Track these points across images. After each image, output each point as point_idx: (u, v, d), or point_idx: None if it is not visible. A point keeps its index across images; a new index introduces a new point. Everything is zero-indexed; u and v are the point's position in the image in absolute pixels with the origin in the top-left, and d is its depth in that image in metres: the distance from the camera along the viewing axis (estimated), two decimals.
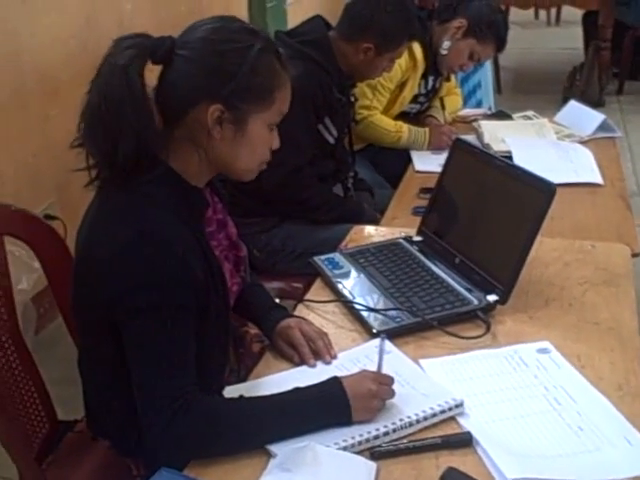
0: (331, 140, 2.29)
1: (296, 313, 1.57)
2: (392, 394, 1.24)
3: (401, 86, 2.73)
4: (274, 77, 1.27)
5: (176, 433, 1.15)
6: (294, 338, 1.43)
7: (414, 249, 1.79)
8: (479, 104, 3.73)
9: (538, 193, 1.52)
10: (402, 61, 2.64)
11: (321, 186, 2.31)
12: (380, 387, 1.23)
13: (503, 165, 1.65)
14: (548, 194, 1.50)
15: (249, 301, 1.54)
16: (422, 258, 1.74)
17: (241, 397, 1.26)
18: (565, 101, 5.06)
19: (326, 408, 1.21)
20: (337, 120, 2.27)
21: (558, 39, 7.88)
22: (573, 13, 7.35)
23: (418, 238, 1.83)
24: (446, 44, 2.69)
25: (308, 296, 1.65)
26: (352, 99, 2.41)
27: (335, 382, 1.23)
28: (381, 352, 1.28)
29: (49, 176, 2.93)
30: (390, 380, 1.25)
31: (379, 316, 1.52)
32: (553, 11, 8.47)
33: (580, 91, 5.38)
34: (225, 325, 1.37)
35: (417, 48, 2.67)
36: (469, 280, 1.62)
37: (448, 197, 1.80)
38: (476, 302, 1.54)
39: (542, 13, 8.59)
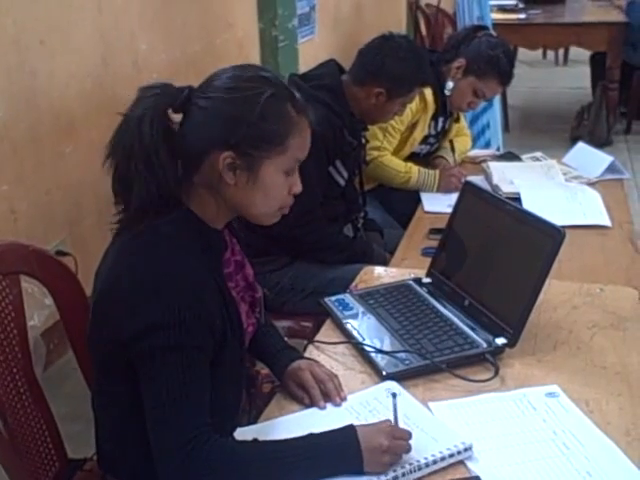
0: (341, 182, 2.32)
1: (306, 354, 1.59)
2: (408, 449, 1.23)
3: (411, 127, 2.77)
4: (287, 123, 1.29)
5: (190, 474, 1.16)
6: (305, 380, 1.45)
7: (423, 291, 1.81)
8: (488, 144, 3.78)
9: (547, 237, 1.54)
10: (413, 103, 2.68)
11: (330, 228, 2.33)
12: (394, 442, 1.22)
13: (512, 209, 1.67)
14: (557, 238, 1.52)
15: (261, 341, 1.56)
16: (431, 300, 1.76)
17: (255, 440, 1.27)
18: (573, 140, 5.13)
19: (339, 456, 1.21)
20: (348, 162, 2.31)
21: (566, 78, 7.95)
22: (581, 53, 7.42)
23: (427, 280, 1.85)
24: (449, 85, 2.73)
25: (318, 337, 1.67)
26: (363, 141, 2.45)
27: (350, 431, 1.24)
28: (395, 408, 1.29)
29: (61, 212, 2.96)
30: (407, 435, 1.24)
31: (388, 358, 1.54)
32: (561, 51, 8.56)
33: (588, 130, 5.42)
34: (240, 366, 1.39)
35: (427, 90, 2.71)
36: (478, 323, 1.63)
37: (457, 239, 1.82)
38: (485, 345, 1.56)
39: (550, 53, 8.68)
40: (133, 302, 1.22)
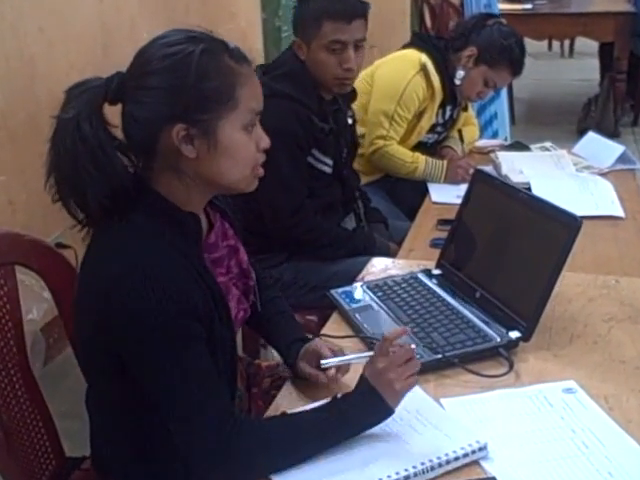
0: (327, 169, 2.22)
1: None
2: (416, 368, 1.25)
3: (419, 116, 2.70)
4: (229, 76, 1.19)
5: (230, 468, 1.15)
6: (323, 353, 1.40)
7: (433, 283, 1.75)
8: (495, 135, 3.72)
9: (563, 227, 1.48)
10: (420, 90, 2.63)
11: (327, 223, 2.24)
12: (398, 371, 1.22)
13: (525, 197, 1.61)
14: (574, 228, 1.46)
15: (275, 326, 1.52)
16: (441, 292, 1.70)
17: (284, 414, 1.27)
18: (580, 132, 5.07)
19: (368, 412, 1.22)
20: (328, 149, 2.20)
21: (572, 71, 7.89)
22: (587, 45, 7.37)
23: (437, 271, 1.79)
24: (459, 74, 2.67)
25: (324, 330, 1.61)
26: (350, 121, 2.33)
27: (367, 385, 1.23)
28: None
29: (60, 205, 2.90)
30: (404, 357, 1.24)
31: None
32: (566, 43, 8.49)
33: (595, 122, 5.35)
34: (230, 353, 1.33)
35: (435, 77, 2.65)
36: (490, 315, 1.57)
37: (468, 230, 1.76)
38: (498, 339, 1.50)
39: (555, 45, 8.61)
40: (110, 299, 1.16)
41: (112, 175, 1.17)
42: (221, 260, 1.35)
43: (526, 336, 1.49)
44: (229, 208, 1.43)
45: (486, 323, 1.55)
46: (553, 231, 1.51)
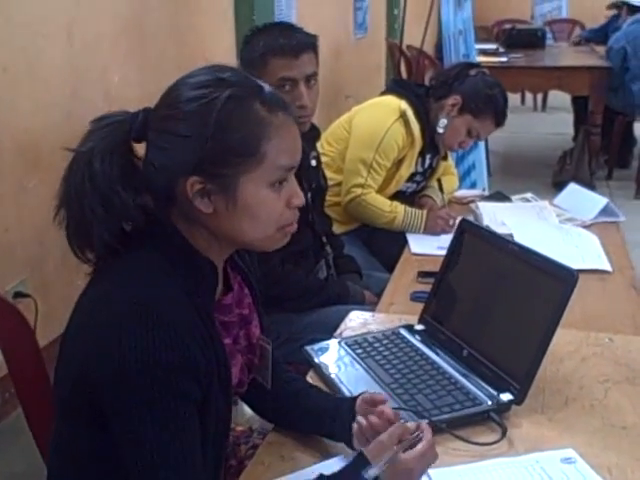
0: None
1: None
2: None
3: (398, 164, 2.62)
4: (256, 126, 1.07)
5: None
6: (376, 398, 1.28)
7: (416, 339, 1.63)
8: (474, 185, 3.66)
9: (558, 280, 1.38)
10: (399, 138, 2.55)
11: (295, 274, 2.10)
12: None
13: (516, 249, 1.51)
14: (570, 282, 1.36)
15: (306, 404, 1.35)
16: (425, 349, 1.58)
17: None
18: (555, 185, 5.05)
19: None
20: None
21: (545, 124, 7.97)
22: (559, 99, 7.46)
23: (420, 327, 1.68)
24: (442, 122, 2.59)
25: None
26: (314, 163, 2.19)
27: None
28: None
29: (22, 251, 2.75)
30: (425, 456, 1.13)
31: None
32: (539, 97, 8.58)
33: (571, 176, 5.33)
34: (224, 424, 1.19)
35: (415, 125, 2.57)
36: (479, 376, 1.46)
37: (453, 282, 1.66)
38: (489, 402, 1.38)
39: (528, 99, 8.70)
40: (101, 338, 1.03)
41: (122, 216, 1.08)
42: (230, 327, 1.21)
43: (519, 399, 1.38)
44: (253, 276, 1.30)
45: (475, 384, 1.44)
46: (547, 285, 1.41)
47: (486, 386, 1.42)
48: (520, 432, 1.34)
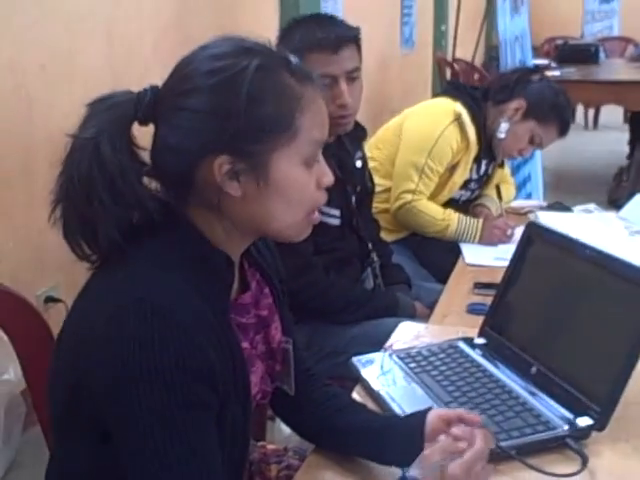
0: (334, 221, 1.94)
1: None
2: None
3: (451, 169, 2.45)
4: (288, 99, 0.98)
5: None
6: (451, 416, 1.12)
7: (477, 353, 1.46)
8: (529, 197, 3.46)
9: None
10: (453, 142, 2.39)
11: (340, 283, 1.95)
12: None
13: (595, 254, 1.33)
14: None
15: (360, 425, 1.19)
16: (488, 365, 1.41)
17: None
18: (611, 202, 4.83)
19: None
20: (332, 199, 1.92)
21: (597, 142, 7.80)
22: (611, 118, 7.25)
23: (481, 340, 1.50)
24: (504, 127, 2.42)
25: None
26: (359, 164, 2.04)
27: None
28: None
29: (54, 255, 2.64)
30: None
31: None
32: (590, 115, 8.38)
33: (628, 191, 5.12)
34: (242, 438, 1.06)
35: (470, 128, 2.41)
36: (551, 396, 1.28)
37: (519, 293, 1.48)
38: (565, 427, 1.20)
39: (579, 117, 8.48)
40: (100, 342, 0.91)
41: (134, 208, 0.97)
42: (245, 329, 1.09)
43: (601, 424, 1.19)
44: (275, 274, 1.18)
45: (546, 405, 1.26)
46: (631, 295, 1.23)
47: (559, 408, 1.25)
48: (602, 463, 1.16)
